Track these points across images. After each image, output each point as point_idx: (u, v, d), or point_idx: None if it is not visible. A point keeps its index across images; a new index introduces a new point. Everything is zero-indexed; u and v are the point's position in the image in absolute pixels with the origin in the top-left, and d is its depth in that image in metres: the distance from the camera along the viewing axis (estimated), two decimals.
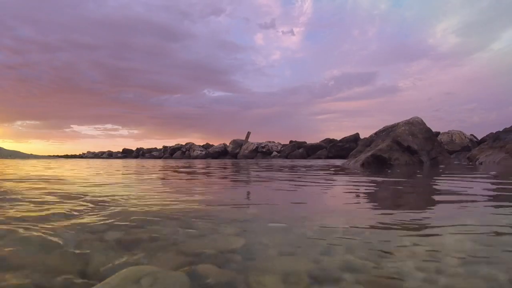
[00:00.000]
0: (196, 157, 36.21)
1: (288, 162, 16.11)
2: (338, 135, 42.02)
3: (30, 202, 2.05)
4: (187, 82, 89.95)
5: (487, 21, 65.07)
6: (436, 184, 3.45)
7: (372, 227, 1.40)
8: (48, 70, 73.81)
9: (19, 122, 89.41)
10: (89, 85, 77.69)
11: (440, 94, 75.38)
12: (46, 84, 75.41)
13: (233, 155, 35.59)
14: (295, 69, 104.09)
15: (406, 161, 8.95)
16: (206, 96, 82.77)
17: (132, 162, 16.30)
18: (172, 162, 15.86)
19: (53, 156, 59.20)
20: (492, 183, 3.47)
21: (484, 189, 2.97)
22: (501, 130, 10.32)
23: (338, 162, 14.12)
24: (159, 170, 6.98)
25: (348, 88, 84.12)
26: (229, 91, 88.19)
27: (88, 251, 1.04)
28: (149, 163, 14.93)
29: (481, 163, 9.25)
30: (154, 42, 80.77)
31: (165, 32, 79.17)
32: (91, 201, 2.09)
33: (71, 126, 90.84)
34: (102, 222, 1.45)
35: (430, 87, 78.96)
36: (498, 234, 1.27)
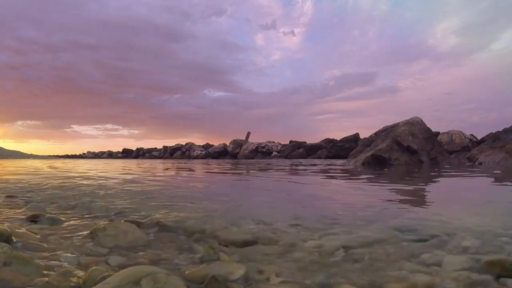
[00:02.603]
0: (196, 157, 36.19)
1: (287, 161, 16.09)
2: (338, 135, 41.78)
3: None
4: (188, 83, 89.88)
5: (487, 21, 64.90)
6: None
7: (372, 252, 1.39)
8: (50, 71, 73.75)
9: (19, 122, 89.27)
10: (90, 86, 77.57)
11: (440, 94, 75.12)
12: (47, 85, 75.32)
13: (233, 155, 35.57)
14: (295, 70, 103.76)
15: (406, 161, 8.96)
16: (206, 96, 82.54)
17: (132, 163, 16.29)
18: (173, 162, 15.84)
19: (53, 156, 59.16)
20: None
21: None
22: (501, 130, 10.31)
23: (338, 162, 14.09)
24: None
25: (349, 88, 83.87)
26: (230, 91, 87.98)
27: None
28: (149, 163, 14.92)
29: (480, 163, 9.25)
30: (155, 43, 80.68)
31: (167, 32, 79.06)
32: None
33: (72, 126, 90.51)
34: None
35: (430, 87, 78.70)
36: None
